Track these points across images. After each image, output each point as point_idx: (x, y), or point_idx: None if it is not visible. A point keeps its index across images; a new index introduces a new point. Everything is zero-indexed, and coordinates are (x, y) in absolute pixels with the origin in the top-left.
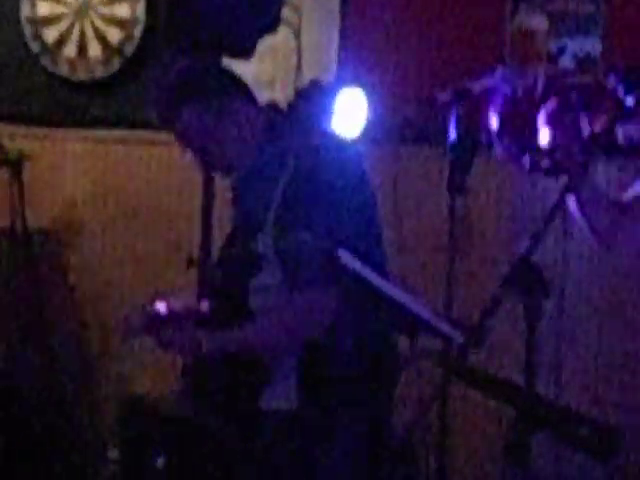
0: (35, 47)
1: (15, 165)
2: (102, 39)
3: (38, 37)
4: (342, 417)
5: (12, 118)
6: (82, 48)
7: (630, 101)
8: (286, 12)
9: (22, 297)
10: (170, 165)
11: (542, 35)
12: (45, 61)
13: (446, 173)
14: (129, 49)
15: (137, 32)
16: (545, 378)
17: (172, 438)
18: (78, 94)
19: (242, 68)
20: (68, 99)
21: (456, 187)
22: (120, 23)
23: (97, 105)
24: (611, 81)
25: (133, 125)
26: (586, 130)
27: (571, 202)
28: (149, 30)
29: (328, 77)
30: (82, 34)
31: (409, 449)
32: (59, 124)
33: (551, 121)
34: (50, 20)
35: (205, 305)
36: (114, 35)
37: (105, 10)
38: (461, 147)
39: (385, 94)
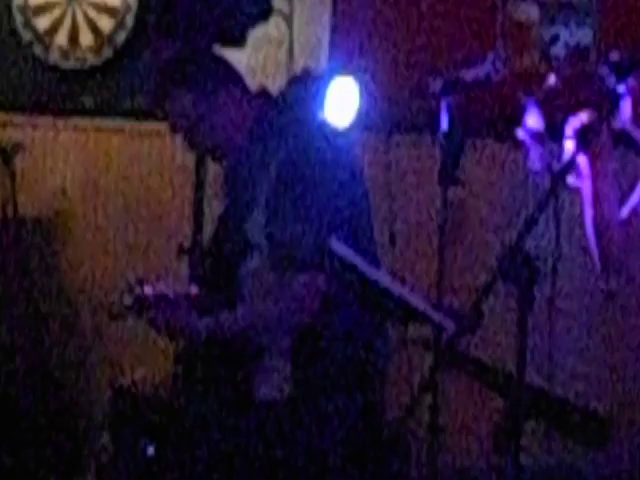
0: (27, 36)
1: (6, 153)
2: (94, 27)
3: (30, 26)
4: (334, 405)
5: (3, 107)
6: (74, 36)
7: (621, 90)
8: (278, 1)
9: (13, 285)
10: (162, 153)
11: (534, 24)
12: (37, 50)
13: (438, 162)
14: (121, 38)
15: (129, 20)
16: (536, 367)
17: (164, 425)
18: (69, 82)
19: (234, 56)
20: (59, 88)
21: (448, 176)
22: (112, 11)
23: (89, 94)
24: (603, 70)
25: (125, 114)
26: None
27: (588, 220)
28: (141, 19)
29: (320, 66)
30: (74, 22)
31: (401, 436)
32: (50, 112)
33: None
34: (42, 9)
35: (194, 289)
36: (106, 23)
37: None
38: (453, 136)
39: (377, 83)
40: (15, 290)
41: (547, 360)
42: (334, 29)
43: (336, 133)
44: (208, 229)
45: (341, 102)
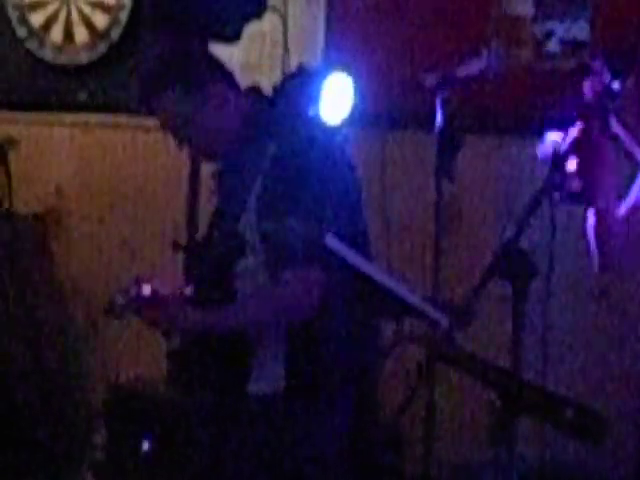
0: (21, 32)
1: (1, 149)
2: (88, 24)
3: (24, 22)
4: (328, 400)
5: None
6: (68, 33)
7: (617, 86)
8: None
9: (7, 281)
10: (156, 150)
11: (528, 19)
12: (31, 46)
13: (433, 158)
14: (115, 34)
15: (123, 17)
16: (531, 362)
17: (158, 422)
18: (64, 79)
19: (229, 53)
20: (54, 84)
21: (443, 171)
22: (106, 7)
23: (83, 90)
24: (598, 66)
25: (119, 110)
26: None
27: (590, 219)
28: (135, 15)
29: (315, 62)
30: (68, 19)
31: (395, 432)
32: (45, 109)
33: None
34: (36, 5)
35: (189, 289)
36: (100, 20)
37: None
38: (448, 132)
39: (372, 79)
40: (9, 286)
41: (542, 355)
42: (329, 25)
43: (328, 129)
44: (203, 225)
45: (336, 98)
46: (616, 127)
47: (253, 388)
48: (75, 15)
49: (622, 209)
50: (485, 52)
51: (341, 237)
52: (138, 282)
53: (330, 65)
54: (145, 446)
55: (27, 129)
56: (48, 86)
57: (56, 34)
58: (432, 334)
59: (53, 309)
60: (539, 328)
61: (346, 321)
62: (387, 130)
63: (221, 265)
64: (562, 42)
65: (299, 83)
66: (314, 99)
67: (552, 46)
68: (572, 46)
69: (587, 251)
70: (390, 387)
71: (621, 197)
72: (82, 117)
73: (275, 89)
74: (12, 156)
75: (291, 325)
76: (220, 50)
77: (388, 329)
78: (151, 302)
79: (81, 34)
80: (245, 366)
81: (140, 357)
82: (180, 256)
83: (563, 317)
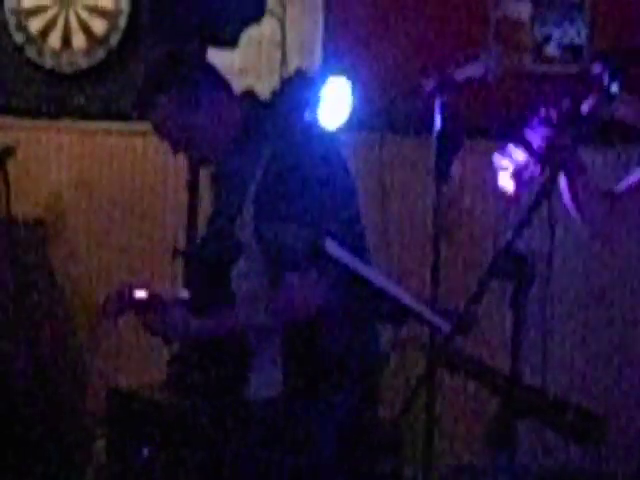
0: (19, 38)
1: (0, 156)
2: (86, 30)
3: (22, 28)
4: (327, 404)
5: None
6: (66, 39)
7: (615, 88)
8: (271, 2)
9: (6, 287)
10: (155, 156)
11: (526, 23)
12: (29, 52)
13: (432, 161)
14: (114, 40)
15: (121, 23)
16: (531, 365)
17: (158, 427)
18: (63, 85)
19: (227, 58)
20: (53, 90)
21: (442, 175)
22: (104, 13)
23: (82, 96)
24: (596, 69)
25: (118, 116)
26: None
27: (564, 191)
28: (133, 21)
29: (313, 66)
30: (66, 25)
31: (395, 436)
32: (44, 115)
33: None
34: (34, 11)
35: (185, 293)
36: (98, 26)
37: (89, 0)
38: (446, 135)
39: (370, 83)
40: (8, 292)
41: (542, 358)
42: (327, 30)
43: (325, 133)
44: (202, 230)
45: (334, 102)
46: (622, 110)
47: (251, 392)
48: (73, 21)
49: (622, 185)
50: (483, 56)
51: (339, 241)
52: (130, 286)
53: (328, 69)
54: (145, 453)
55: (25, 135)
56: (46, 92)
57: (54, 40)
58: (433, 339)
59: (53, 315)
60: (539, 331)
61: (345, 325)
62: (385, 134)
63: (217, 268)
64: (560, 46)
65: (298, 87)
66: (313, 103)
67: (550, 50)
68: (570, 50)
69: (586, 254)
70: (390, 391)
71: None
72: (80, 123)
73: (274, 93)
74: (10, 162)
75: (290, 329)
76: (219, 55)
77: (388, 333)
78: (146, 306)
79: (79, 40)
80: (244, 371)
81: (141, 362)
82: (179, 262)
83: (563, 320)
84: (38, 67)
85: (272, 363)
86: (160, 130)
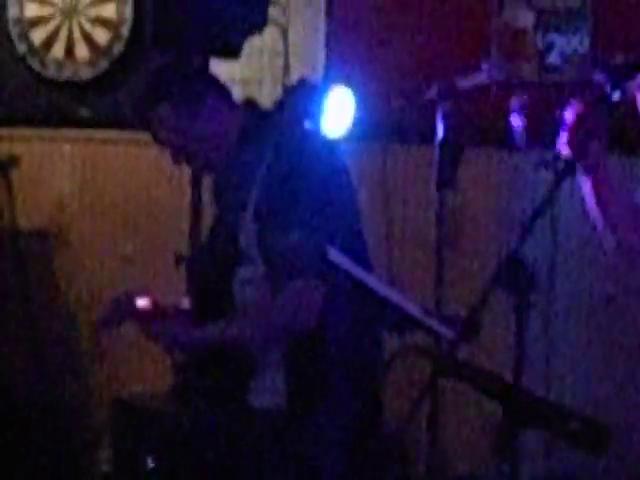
0: (22, 48)
1: (3, 166)
2: (89, 40)
3: (25, 38)
4: (330, 413)
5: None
6: (69, 49)
7: (617, 96)
8: (273, 12)
9: (11, 297)
10: (158, 164)
11: (529, 31)
12: (32, 62)
13: (435, 169)
14: (116, 50)
15: (124, 33)
16: (534, 374)
17: (163, 437)
18: (66, 95)
19: (230, 67)
20: (56, 100)
21: (445, 183)
22: (107, 24)
23: (85, 106)
24: (598, 77)
25: (121, 125)
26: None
27: (587, 195)
28: (136, 31)
29: (316, 76)
30: (69, 35)
31: (400, 445)
32: (47, 125)
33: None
34: (37, 21)
35: (186, 302)
36: (101, 36)
37: (92, 11)
38: (449, 144)
39: (372, 92)
40: (12, 302)
41: (545, 366)
42: (330, 39)
43: (326, 141)
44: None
45: (337, 111)
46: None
47: (254, 401)
48: (76, 31)
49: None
50: (486, 64)
51: (341, 249)
52: (130, 294)
53: (331, 78)
54: (150, 463)
55: (29, 145)
56: (49, 102)
57: (57, 50)
58: (436, 347)
59: (57, 324)
60: (542, 339)
61: (348, 334)
62: (388, 143)
63: (219, 276)
64: (563, 55)
65: (300, 96)
66: (315, 112)
67: (553, 59)
68: (573, 59)
69: (589, 262)
70: (394, 399)
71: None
72: (84, 133)
73: (276, 102)
74: (14, 172)
75: (292, 338)
76: (221, 64)
77: (392, 341)
78: (147, 314)
79: (82, 50)
80: (246, 380)
81: (145, 372)
82: (183, 268)
83: (566, 328)
84: (41, 77)
85: (275, 371)
86: (160, 138)
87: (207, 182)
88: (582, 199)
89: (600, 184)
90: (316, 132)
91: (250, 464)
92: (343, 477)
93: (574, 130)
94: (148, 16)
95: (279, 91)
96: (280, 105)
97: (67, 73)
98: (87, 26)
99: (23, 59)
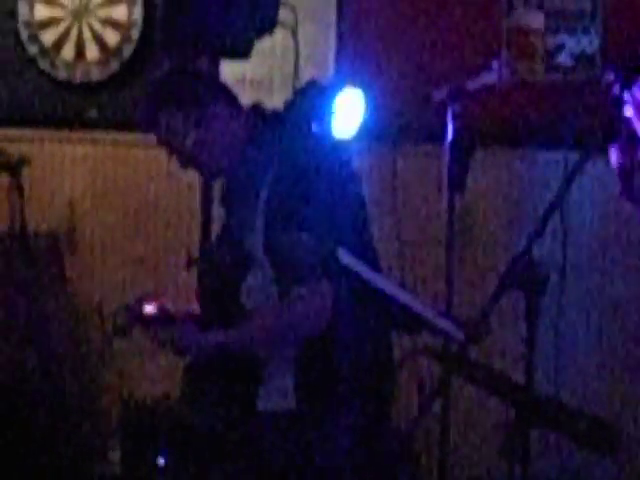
0: (32, 50)
1: (13, 167)
2: (100, 41)
3: (35, 40)
4: (340, 416)
5: (10, 121)
6: (80, 51)
7: (627, 98)
8: (283, 13)
9: (21, 300)
10: (169, 167)
11: (538, 33)
12: (43, 64)
13: (444, 171)
14: (127, 51)
15: (134, 34)
16: (544, 375)
17: (172, 439)
18: (76, 97)
19: (239, 69)
20: (66, 102)
21: (455, 184)
22: (118, 25)
23: (95, 107)
24: (608, 78)
25: (131, 127)
26: None
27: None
28: (147, 32)
29: (326, 77)
30: (80, 37)
31: (410, 447)
32: (57, 127)
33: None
34: (47, 23)
35: (195, 307)
36: (112, 37)
37: (102, 12)
38: (459, 145)
39: (382, 93)
40: (23, 304)
41: (555, 367)
42: (340, 40)
43: (332, 143)
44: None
45: (347, 113)
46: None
47: (263, 404)
48: (87, 33)
49: None
50: (496, 65)
51: (350, 251)
52: (140, 300)
53: (341, 79)
54: (160, 462)
55: (39, 147)
56: (60, 104)
57: (68, 52)
58: (447, 348)
59: (68, 326)
60: (552, 341)
61: (358, 335)
62: (398, 144)
63: (227, 281)
64: (572, 55)
65: (310, 98)
66: (325, 114)
67: (562, 59)
68: (582, 59)
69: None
70: (404, 401)
71: None
72: (94, 134)
73: (287, 104)
74: (24, 174)
75: (303, 341)
76: (231, 66)
77: (402, 343)
78: (155, 320)
79: (93, 52)
80: (255, 383)
81: (155, 374)
82: (194, 271)
83: (577, 330)
84: (51, 79)
85: (284, 374)
86: (167, 143)
87: (217, 184)
88: (592, 200)
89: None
90: (324, 135)
91: (259, 467)
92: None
93: None
94: (158, 17)
95: (289, 92)
96: (289, 107)
97: (77, 74)
98: (97, 27)
99: (33, 61)
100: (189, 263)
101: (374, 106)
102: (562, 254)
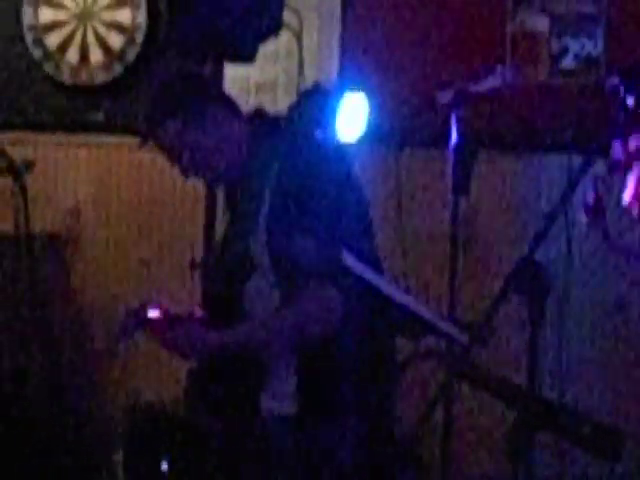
0: (37, 53)
1: (17, 171)
2: (104, 45)
3: (40, 44)
4: (343, 420)
5: (14, 124)
6: (84, 54)
7: (631, 101)
8: (287, 16)
9: (25, 302)
10: (173, 170)
11: (543, 36)
12: (47, 67)
13: (449, 174)
14: (131, 55)
15: (138, 37)
16: (548, 379)
17: (176, 442)
18: (80, 100)
19: (244, 73)
20: (70, 105)
21: (459, 188)
22: (122, 29)
23: (99, 111)
24: (612, 82)
25: (135, 131)
26: None
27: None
28: (150, 35)
29: (330, 81)
30: (84, 40)
31: (413, 449)
32: (61, 130)
33: None
34: (52, 26)
35: (199, 311)
36: (116, 41)
37: (107, 16)
38: (463, 148)
39: (386, 96)
40: (27, 307)
41: (559, 371)
42: (344, 43)
43: (336, 146)
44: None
45: (351, 116)
46: None
47: (266, 407)
48: (91, 36)
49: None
50: (500, 69)
51: (354, 254)
52: (144, 306)
53: (345, 83)
54: (164, 466)
55: (43, 150)
56: (64, 107)
57: (72, 55)
58: (450, 351)
59: (71, 329)
60: (556, 344)
61: (361, 339)
62: (402, 147)
63: (231, 286)
64: (577, 59)
65: (315, 101)
66: (330, 117)
67: (567, 63)
68: (587, 63)
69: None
70: (408, 404)
71: None
72: (98, 138)
73: (291, 108)
74: (28, 177)
75: (309, 345)
76: (236, 69)
77: (406, 346)
78: (161, 324)
79: (97, 55)
80: (259, 386)
81: (159, 377)
82: (198, 275)
83: (580, 333)
84: (56, 82)
85: (287, 378)
86: (168, 152)
87: (222, 187)
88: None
89: None
90: (326, 139)
91: (262, 470)
92: None
93: None
94: (162, 21)
95: (293, 96)
96: (293, 111)
97: (82, 78)
98: (102, 31)
99: (38, 64)
100: (193, 264)
101: (378, 109)
102: (566, 257)
